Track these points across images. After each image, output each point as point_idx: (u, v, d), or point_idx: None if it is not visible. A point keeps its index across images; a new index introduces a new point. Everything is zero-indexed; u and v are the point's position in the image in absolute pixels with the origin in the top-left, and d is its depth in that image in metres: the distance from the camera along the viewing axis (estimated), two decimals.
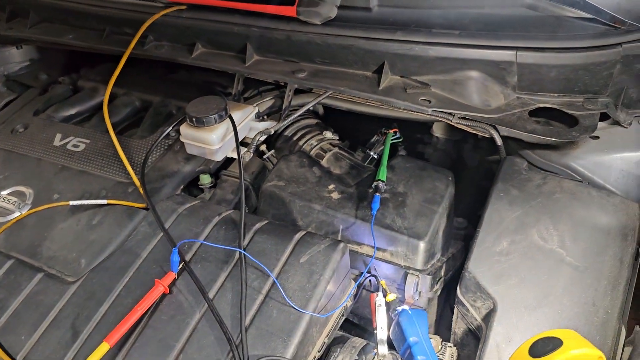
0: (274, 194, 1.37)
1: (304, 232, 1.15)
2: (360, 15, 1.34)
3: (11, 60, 2.16)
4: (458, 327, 1.20)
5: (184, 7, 1.49)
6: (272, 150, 1.53)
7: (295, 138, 1.58)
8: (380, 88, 1.33)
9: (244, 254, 1.07)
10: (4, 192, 1.50)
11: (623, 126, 1.27)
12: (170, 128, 1.44)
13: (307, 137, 1.57)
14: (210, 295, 1.05)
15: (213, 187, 1.51)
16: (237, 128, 1.32)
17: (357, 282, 1.17)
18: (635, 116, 1.29)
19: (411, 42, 1.27)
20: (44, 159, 1.57)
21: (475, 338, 1.17)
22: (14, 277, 1.16)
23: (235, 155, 1.40)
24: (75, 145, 1.61)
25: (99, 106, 1.86)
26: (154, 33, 1.60)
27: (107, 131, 1.66)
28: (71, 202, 1.37)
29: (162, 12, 1.46)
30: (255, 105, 1.47)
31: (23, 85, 2.12)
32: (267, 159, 1.53)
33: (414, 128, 1.68)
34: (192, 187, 1.52)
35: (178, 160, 1.48)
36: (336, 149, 1.52)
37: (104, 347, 0.96)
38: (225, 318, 1.01)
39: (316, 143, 1.54)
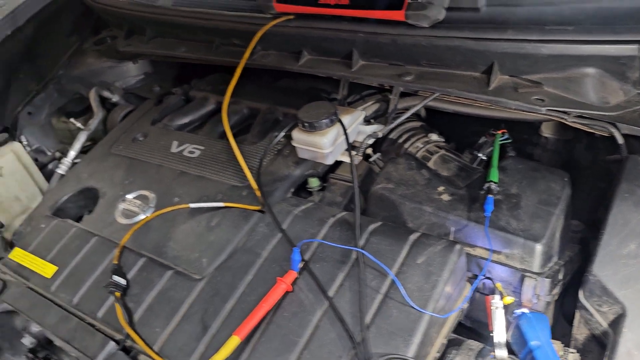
0: (384, 197, 1.39)
1: (419, 234, 1.16)
2: (467, 15, 1.33)
3: (128, 75, 2.33)
4: (580, 332, 1.16)
5: (291, 17, 1.55)
6: (379, 154, 1.55)
7: (400, 141, 1.59)
8: (490, 88, 1.32)
9: (362, 253, 1.10)
10: (130, 196, 1.62)
11: None
12: (283, 133, 1.50)
13: (413, 139, 1.57)
14: (330, 294, 1.09)
15: (321, 190, 1.55)
16: (347, 132, 1.35)
17: (475, 284, 1.16)
18: None
19: (523, 41, 1.25)
20: (163, 165, 1.69)
21: (599, 344, 1.13)
22: (146, 274, 1.26)
23: (344, 159, 1.44)
24: (191, 152, 1.71)
25: (210, 114, 1.96)
26: (262, 43, 1.67)
27: (220, 138, 1.76)
28: (191, 205, 1.46)
29: (273, 23, 1.53)
30: (362, 109, 1.50)
31: (139, 97, 2.28)
32: (373, 162, 1.55)
33: (521, 129, 1.64)
34: (300, 190, 1.57)
35: (288, 164, 1.53)
36: (443, 151, 1.52)
37: (234, 341, 1.02)
38: (346, 316, 1.04)
39: (422, 145, 1.55)
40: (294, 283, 1.12)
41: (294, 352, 1.02)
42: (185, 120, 1.95)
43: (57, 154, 2.24)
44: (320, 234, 1.21)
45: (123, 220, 1.52)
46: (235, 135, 1.87)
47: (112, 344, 1.13)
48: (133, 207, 1.57)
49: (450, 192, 1.35)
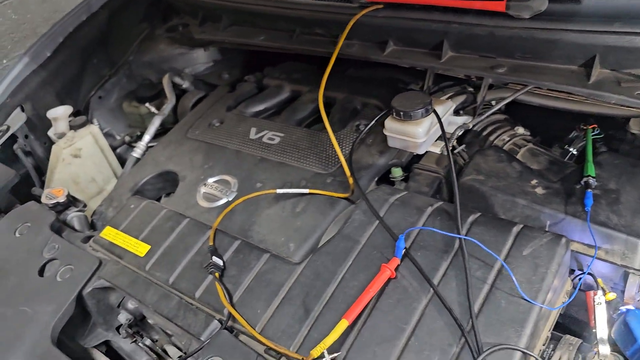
0: (473, 188, 1.38)
1: (521, 226, 1.15)
2: (568, 7, 1.31)
3: (197, 62, 2.37)
4: None
5: (380, 6, 1.55)
6: (463, 145, 1.54)
7: (485, 133, 1.58)
8: (590, 82, 1.29)
9: (466, 240, 1.09)
10: (211, 180, 1.64)
11: None
12: (373, 122, 1.50)
13: (498, 132, 1.56)
14: (434, 282, 1.09)
15: (404, 181, 1.55)
16: (442, 121, 1.34)
17: (582, 279, 1.14)
18: None
19: (631, 34, 1.22)
20: (242, 151, 1.71)
21: None
22: (242, 257, 1.27)
23: (433, 149, 1.44)
24: (270, 139, 1.73)
25: (285, 102, 1.98)
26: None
27: (298, 125, 1.77)
28: (277, 190, 1.48)
29: (364, 12, 1.53)
30: (451, 99, 1.49)
31: (208, 84, 2.31)
32: (458, 154, 1.54)
33: (607, 124, 1.61)
34: (382, 180, 1.57)
35: (372, 153, 1.54)
36: (530, 145, 1.50)
37: (343, 324, 1.03)
38: (452, 305, 1.04)
39: (508, 138, 1.53)
40: (396, 270, 1.12)
41: (401, 339, 1.03)
42: (261, 107, 1.97)
43: (127, 138, 2.28)
44: (419, 223, 1.21)
45: (205, 204, 1.55)
46: (310, 125, 1.90)
47: (215, 322, 1.15)
48: (215, 191, 1.60)
49: (544, 185, 1.34)
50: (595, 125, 1.47)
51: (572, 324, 1.32)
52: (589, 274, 1.17)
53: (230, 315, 1.16)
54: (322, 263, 1.20)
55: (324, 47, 1.71)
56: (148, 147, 2.04)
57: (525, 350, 0.96)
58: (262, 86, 2.10)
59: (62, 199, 1.66)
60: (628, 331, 1.06)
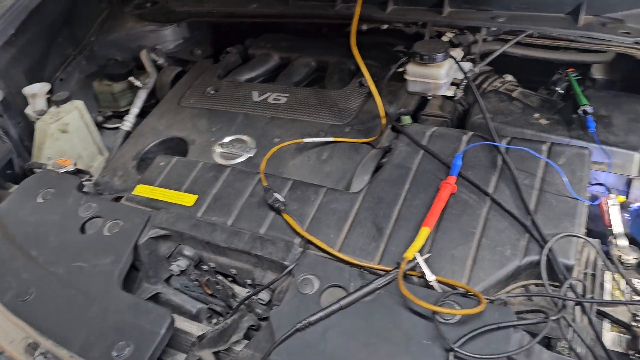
0: (483, 125, 1.54)
1: (549, 143, 1.33)
2: None
3: (167, 39, 2.36)
4: None
5: None
6: (462, 92, 1.71)
7: (477, 82, 1.76)
8: (579, 25, 1.51)
9: (508, 152, 1.25)
10: (227, 139, 1.68)
11: None
12: (394, 68, 1.60)
13: (489, 80, 1.75)
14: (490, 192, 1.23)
15: None
16: (459, 63, 1.50)
17: (593, 186, 1.34)
18: None
19: None
20: (249, 113, 1.76)
21: None
22: (300, 192, 1.34)
23: (449, 93, 1.59)
24: (276, 99, 1.80)
25: (274, 69, 2.05)
26: None
27: (299, 85, 1.85)
28: (304, 140, 1.56)
29: None
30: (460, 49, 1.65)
31: (180, 61, 2.31)
32: (457, 101, 1.70)
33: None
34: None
35: (382, 103, 1.66)
36: (521, 88, 1.70)
37: (425, 231, 1.14)
38: (511, 208, 1.19)
39: (500, 85, 1.73)
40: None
41: (473, 240, 1.16)
42: (252, 74, 2.03)
43: (99, 118, 2.22)
44: (460, 148, 1.35)
45: (223, 162, 1.59)
46: (307, 86, 1.98)
47: (296, 247, 1.20)
48: (233, 150, 1.64)
49: (546, 117, 1.53)
50: (574, 69, 1.69)
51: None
52: (599, 184, 1.38)
53: (307, 240, 1.22)
54: (382, 189, 1.30)
55: (322, 11, 1.80)
56: (137, 121, 2.01)
57: (583, 237, 1.13)
58: (246, 57, 2.15)
59: (70, 167, 1.62)
60: None
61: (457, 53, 1.60)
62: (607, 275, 1.25)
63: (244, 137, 1.68)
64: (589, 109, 1.48)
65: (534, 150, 1.31)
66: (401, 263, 1.08)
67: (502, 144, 1.31)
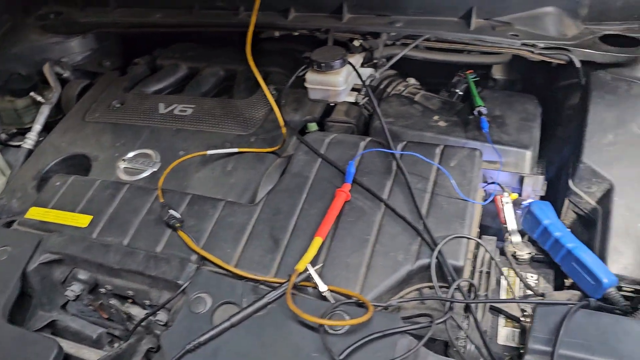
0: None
1: (442, 145, 1.36)
2: None
3: (73, 51, 2.27)
4: (567, 217, 1.44)
5: None
6: (366, 98, 1.73)
7: (382, 87, 1.78)
8: (471, 29, 1.56)
9: (402, 157, 1.27)
10: (130, 155, 1.64)
11: None
12: (294, 77, 1.61)
13: (393, 84, 1.78)
14: (384, 198, 1.25)
15: None
16: (357, 70, 1.51)
17: (488, 185, 1.38)
18: None
19: None
20: (155, 126, 1.72)
21: (582, 224, 1.41)
22: (197, 208, 1.31)
23: (349, 99, 1.60)
24: (182, 111, 1.76)
25: (182, 80, 2.01)
26: (246, 2, 1.77)
27: (207, 95, 1.83)
28: (208, 152, 1.53)
29: None
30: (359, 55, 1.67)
31: (88, 73, 2.23)
32: (363, 106, 1.72)
33: (476, 72, 1.92)
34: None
35: (287, 111, 1.66)
36: (423, 91, 1.74)
37: (318, 241, 1.14)
38: (404, 213, 1.21)
39: (403, 88, 1.76)
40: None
41: (367, 247, 1.17)
42: (160, 86, 1.98)
43: (3, 136, 2.12)
44: (357, 155, 1.36)
45: (127, 178, 1.55)
46: (216, 96, 1.96)
47: (191, 265, 1.18)
48: (137, 165, 1.60)
49: (445, 119, 1.57)
50: (472, 71, 1.74)
51: (483, 231, 1.58)
52: (493, 183, 1.42)
53: (201, 258, 1.20)
54: (280, 199, 1.29)
55: (226, 19, 1.78)
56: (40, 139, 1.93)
57: (470, 237, 1.16)
58: (154, 67, 2.10)
59: None
60: (533, 218, 1.32)
61: (356, 59, 1.61)
62: (504, 272, 1.30)
63: (149, 151, 1.63)
64: (483, 110, 1.53)
65: (428, 153, 1.34)
66: (292, 276, 1.08)
67: (397, 150, 1.33)
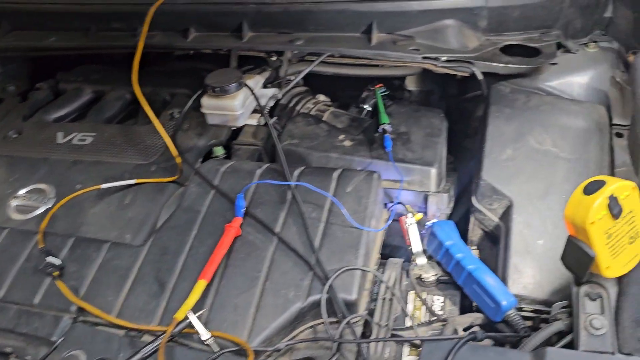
0: (291, 151, 1.51)
1: (340, 170, 1.31)
2: None
3: None
4: (474, 234, 1.41)
5: None
6: (275, 117, 1.67)
7: (291, 105, 1.72)
8: (372, 44, 1.52)
9: (299, 185, 1.22)
10: (22, 192, 1.53)
11: (572, 52, 1.54)
12: (190, 103, 1.54)
13: (303, 102, 1.72)
14: (276, 230, 1.19)
15: (227, 158, 1.62)
16: (255, 93, 1.45)
17: (395, 204, 1.34)
18: (580, 44, 1.57)
19: (397, 0, 1.47)
20: (51, 158, 1.62)
21: (490, 240, 1.39)
22: (80, 251, 1.23)
23: (251, 121, 1.54)
24: (81, 140, 1.66)
25: (86, 105, 1.91)
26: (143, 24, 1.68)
27: (109, 122, 1.74)
28: (102, 185, 1.44)
29: (161, 1, 1.56)
30: (260, 75, 1.61)
31: None
32: (271, 126, 1.66)
33: (388, 86, 1.89)
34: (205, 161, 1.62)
35: (190, 136, 1.59)
36: (332, 109, 1.69)
37: (201, 284, 1.08)
38: (297, 246, 1.16)
39: (312, 106, 1.70)
40: (241, 227, 1.20)
41: (257, 286, 1.11)
42: (62, 112, 1.87)
43: None
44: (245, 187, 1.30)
45: (19, 217, 1.45)
46: (121, 121, 1.86)
47: (65, 319, 1.10)
48: (29, 202, 1.50)
49: (350, 138, 1.53)
50: (381, 85, 1.70)
51: (394, 252, 1.54)
52: (399, 203, 1.38)
53: (80, 308, 1.12)
54: (168, 238, 1.22)
55: (123, 41, 1.70)
56: None
57: (363, 268, 1.12)
58: (57, 92, 1.99)
59: None
60: (435, 239, 1.29)
61: (256, 80, 1.55)
62: (410, 296, 1.26)
63: (43, 187, 1.53)
64: (387, 127, 1.49)
65: (324, 179, 1.29)
66: (169, 326, 1.01)
67: (292, 181, 1.27)
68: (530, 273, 1.19)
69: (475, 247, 1.36)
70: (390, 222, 1.30)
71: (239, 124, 1.50)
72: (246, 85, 1.47)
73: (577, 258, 0.91)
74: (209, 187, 1.31)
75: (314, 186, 1.27)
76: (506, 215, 1.29)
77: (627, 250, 0.90)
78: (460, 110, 1.79)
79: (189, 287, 1.12)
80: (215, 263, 1.12)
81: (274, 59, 1.72)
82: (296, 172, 1.33)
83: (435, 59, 1.49)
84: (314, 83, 1.90)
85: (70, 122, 1.83)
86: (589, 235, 0.86)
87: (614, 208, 0.85)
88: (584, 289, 0.97)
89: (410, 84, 1.87)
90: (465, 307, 1.27)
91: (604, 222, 0.86)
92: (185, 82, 1.83)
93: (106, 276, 1.18)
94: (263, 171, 1.34)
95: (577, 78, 1.50)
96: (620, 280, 0.96)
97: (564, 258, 0.95)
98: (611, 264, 0.89)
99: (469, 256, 1.24)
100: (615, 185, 0.85)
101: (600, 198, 0.84)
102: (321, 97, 1.75)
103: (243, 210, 1.22)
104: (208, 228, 1.23)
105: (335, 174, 1.31)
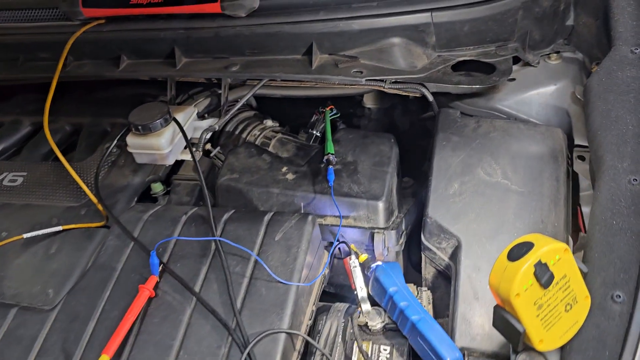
0: (230, 187, 1.40)
1: (272, 213, 1.20)
2: (279, 2, 1.39)
3: None
4: (427, 272, 1.30)
5: (102, 21, 1.49)
6: (218, 147, 1.55)
7: (237, 132, 1.61)
8: (313, 67, 1.39)
9: (221, 241, 1.10)
10: None
11: (533, 66, 1.41)
12: (115, 142, 1.43)
13: (249, 128, 1.61)
14: (196, 289, 1.08)
15: (166, 194, 1.52)
16: (184, 128, 1.33)
17: (332, 250, 1.23)
18: (541, 55, 1.43)
19: (335, 20, 1.34)
20: None
21: (444, 278, 1.27)
22: None
23: (184, 157, 1.42)
24: (12, 180, 1.56)
25: (25, 139, 1.80)
26: (74, 53, 1.58)
27: (43, 161, 1.63)
28: (25, 235, 1.34)
29: (83, 30, 1.45)
30: (193, 105, 1.49)
31: None
32: (214, 157, 1.55)
33: (346, 104, 1.77)
34: (145, 198, 1.51)
35: (125, 174, 1.48)
36: (279, 135, 1.57)
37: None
38: (217, 307, 1.05)
39: (259, 132, 1.59)
40: (156, 287, 1.09)
41: (171, 355, 1.00)
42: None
43: None
44: (175, 234, 1.19)
45: None
46: (64, 153, 1.75)
47: None
48: None
49: (294, 170, 1.41)
50: (332, 107, 1.58)
51: (345, 290, 1.43)
52: (343, 242, 1.27)
53: None
54: (78, 301, 1.11)
55: (52, 71, 1.58)
56: None
57: (286, 331, 1.00)
58: None
59: None
60: (379, 285, 1.17)
61: (188, 113, 1.43)
62: (355, 347, 1.15)
63: None
64: (332, 158, 1.37)
65: (253, 224, 1.17)
66: None
67: (213, 236, 1.15)
68: (478, 322, 1.07)
69: (426, 289, 1.24)
70: (324, 269, 1.18)
71: (169, 162, 1.38)
72: (174, 119, 1.35)
73: (506, 329, 0.79)
74: (128, 239, 1.20)
75: (242, 233, 1.16)
76: (455, 256, 1.17)
77: (563, 319, 0.78)
78: (422, 128, 1.68)
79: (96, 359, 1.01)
80: (121, 335, 1.01)
81: (215, 81, 1.60)
82: (225, 217, 1.21)
83: (381, 80, 1.37)
84: (263, 105, 1.79)
85: (7, 159, 1.73)
86: (515, 309, 0.74)
87: (543, 276, 0.73)
88: (522, 357, 0.85)
89: (368, 102, 1.76)
90: (417, 355, 1.15)
91: (532, 292, 0.74)
92: (127, 111, 1.71)
93: (9, 348, 1.07)
94: (188, 218, 1.22)
95: (535, 96, 1.37)
96: (562, 347, 0.84)
97: (495, 326, 0.83)
98: (544, 336, 0.77)
99: (413, 305, 1.12)
100: (544, 250, 0.73)
101: (525, 265, 0.72)
102: (269, 122, 1.63)
103: (159, 267, 1.10)
104: (123, 288, 1.12)
105: (267, 218, 1.19)
